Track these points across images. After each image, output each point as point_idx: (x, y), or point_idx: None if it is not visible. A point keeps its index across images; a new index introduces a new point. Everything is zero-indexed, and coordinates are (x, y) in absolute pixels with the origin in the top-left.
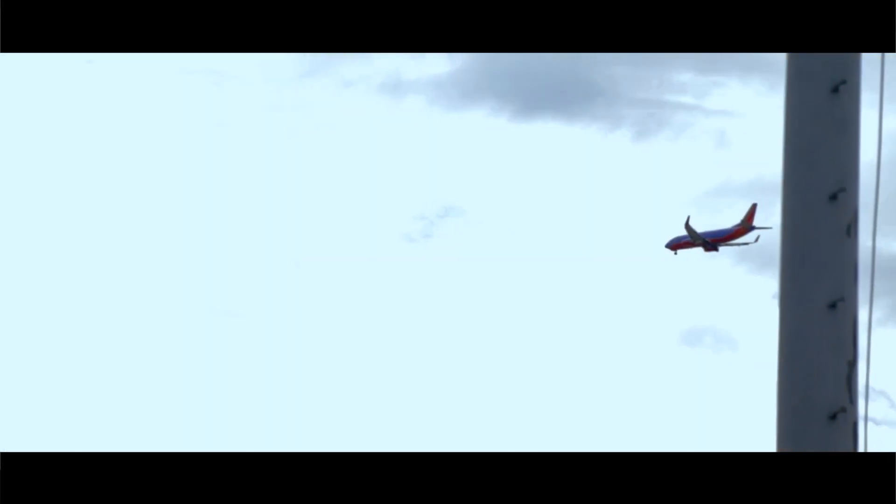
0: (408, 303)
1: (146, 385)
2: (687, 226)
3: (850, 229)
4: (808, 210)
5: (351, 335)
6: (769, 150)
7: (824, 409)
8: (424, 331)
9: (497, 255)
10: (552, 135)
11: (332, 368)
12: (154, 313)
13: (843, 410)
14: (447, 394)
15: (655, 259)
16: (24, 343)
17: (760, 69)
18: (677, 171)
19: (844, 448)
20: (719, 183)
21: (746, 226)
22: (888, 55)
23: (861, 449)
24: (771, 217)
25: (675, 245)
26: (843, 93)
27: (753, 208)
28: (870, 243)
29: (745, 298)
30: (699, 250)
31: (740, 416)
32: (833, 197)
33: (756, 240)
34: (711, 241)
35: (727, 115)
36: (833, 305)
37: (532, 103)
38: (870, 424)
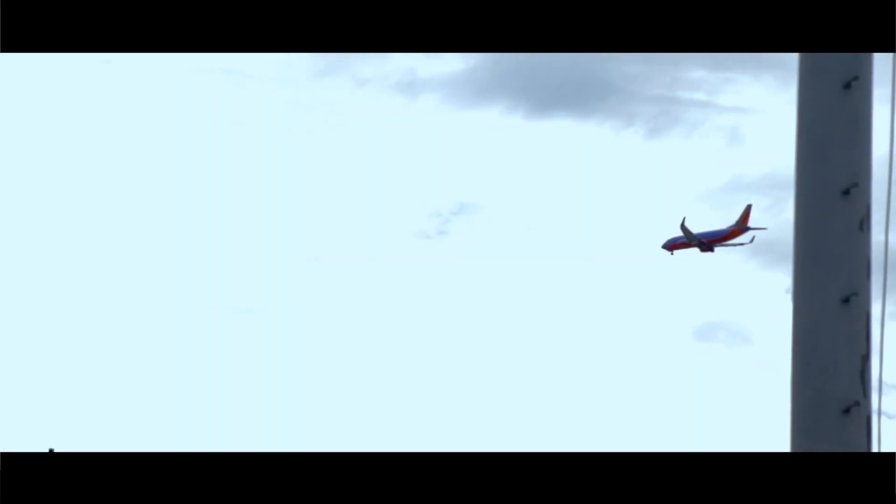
0: (424, 299)
1: (162, 383)
2: (682, 226)
3: (863, 224)
4: (821, 205)
5: (366, 331)
6: (782, 146)
7: (838, 403)
8: (439, 327)
9: (511, 251)
10: (566, 132)
11: (347, 364)
12: (171, 311)
13: (856, 404)
14: (463, 390)
15: (667, 255)
16: (44, 342)
17: (772, 66)
18: (690, 167)
19: (858, 441)
20: (732, 179)
21: (741, 226)
22: None
23: (874, 442)
24: (784, 213)
25: (671, 246)
26: (856, 89)
27: (748, 209)
28: (882, 238)
29: (759, 293)
30: (695, 250)
31: (755, 410)
32: (846, 192)
33: (751, 240)
34: (707, 242)
35: (740, 111)
36: (846, 300)
37: (546, 101)
38: (883, 418)
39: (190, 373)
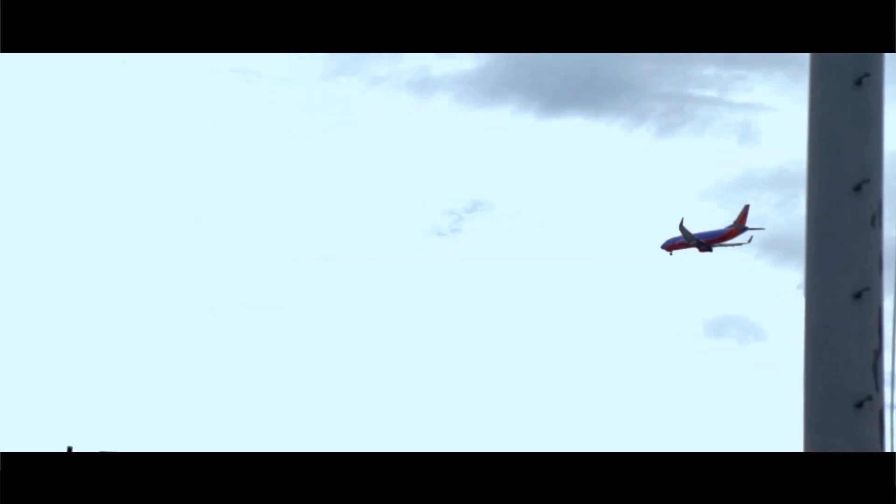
0: (440, 296)
1: (180, 381)
2: (681, 227)
3: (875, 220)
4: (833, 201)
5: (382, 329)
6: (793, 143)
7: (851, 397)
8: (455, 324)
9: (525, 248)
10: (577, 130)
11: (363, 361)
12: (186, 309)
13: (869, 398)
14: (478, 388)
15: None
16: (65, 340)
17: (783, 63)
18: (701, 164)
19: (871, 435)
20: (743, 176)
21: (739, 227)
22: None
23: (888, 436)
24: (795, 209)
25: (670, 246)
26: (867, 85)
27: (746, 210)
28: (894, 233)
29: (770, 290)
30: (693, 251)
31: (768, 405)
32: (857, 188)
33: (749, 240)
34: (705, 242)
35: (751, 108)
36: (858, 295)
37: (557, 99)
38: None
39: (207, 370)
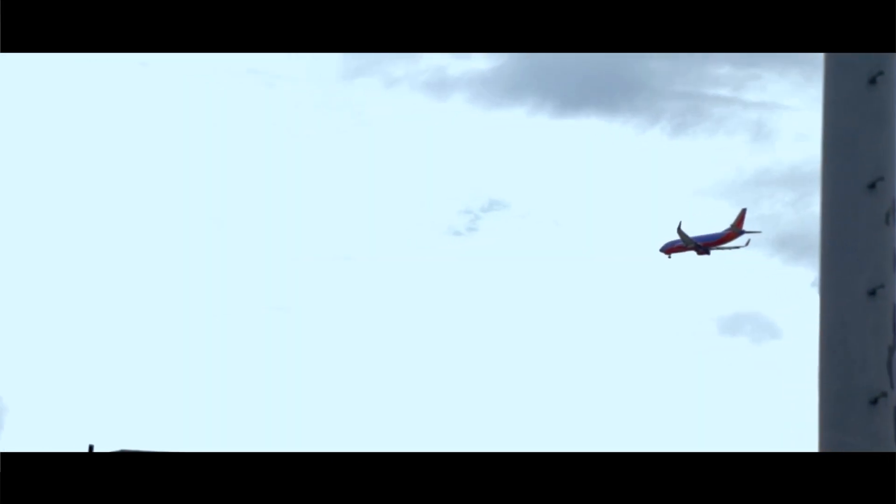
0: (457, 295)
1: (198, 380)
2: (679, 230)
3: (889, 217)
4: (847, 199)
5: (400, 328)
6: (807, 141)
7: (865, 393)
8: (473, 322)
9: (541, 247)
10: (593, 130)
11: (379, 361)
12: (207, 310)
13: (883, 395)
14: (495, 386)
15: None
16: (82, 340)
17: (797, 62)
18: (716, 163)
19: (886, 432)
20: (758, 174)
21: (736, 230)
22: None
23: None
24: (809, 207)
25: (668, 249)
26: (881, 84)
27: (743, 213)
28: None
29: (784, 287)
30: (692, 254)
31: (783, 403)
32: (871, 186)
33: (747, 243)
34: (703, 245)
35: (765, 107)
36: (873, 292)
37: (572, 99)
38: None
39: (225, 370)
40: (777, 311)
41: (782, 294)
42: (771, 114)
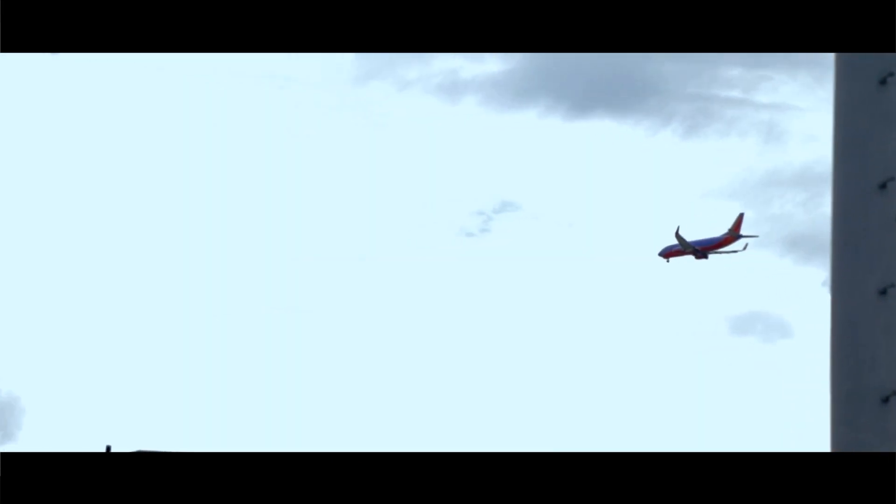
0: (470, 294)
1: (217, 380)
2: (677, 235)
3: None
4: (858, 199)
5: (414, 327)
6: (818, 142)
7: (877, 392)
8: (487, 322)
9: (553, 247)
10: (604, 132)
11: (395, 360)
12: (223, 311)
13: (894, 394)
14: (507, 384)
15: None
16: (104, 341)
17: (808, 63)
18: (727, 164)
19: None
20: (769, 175)
21: (734, 234)
22: None
23: None
24: (820, 207)
25: (667, 254)
26: (891, 84)
27: (740, 218)
28: None
29: (795, 287)
30: (690, 258)
31: (794, 401)
32: (882, 186)
33: (744, 248)
34: (701, 250)
35: (776, 108)
36: (883, 291)
37: (584, 101)
38: None
39: (241, 371)
40: (788, 310)
41: (793, 294)
42: (782, 115)
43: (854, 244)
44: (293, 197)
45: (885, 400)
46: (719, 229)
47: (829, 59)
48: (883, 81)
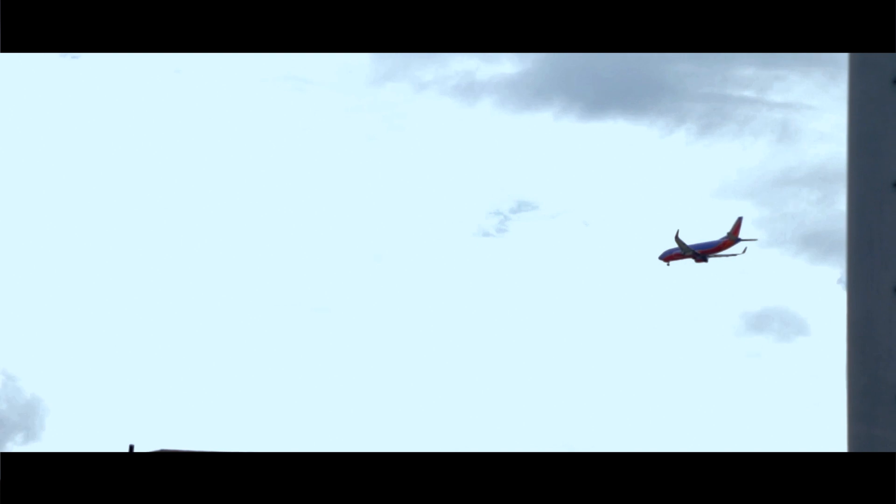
0: (487, 294)
1: (241, 380)
2: (677, 238)
3: None
4: (873, 198)
5: (434, 326)
6: (831, 141)
7: (893, 388)
8: (506, 321)
9: (570, 247)
10: (619, 132)
11: (412, 360)
12: (241, 311)
13: None
14: (526, 384)
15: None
16: (127, 342)
17: (821, 62)
18: (741, 163)
19: None
20: (783, 174)
21: (733, 238)
22: None
23: None
24: (834, 205)
25: (667, 257)
26: None
27: (739, 222)
28: None
29: (810, 285)
30: (690, 261)
31: (810, 398)
32: None
33: (744, 251)
34: (701, 253)
35: (789, 107)
36: None
37: (599, 102)
38: None
39: (259, 370)
40: (804, 308)
41: (808, 292)
42: (796, 114)
43: (869, 242)
44: (310, 197)
45: None
46: (722, 231)
47: (842, 58)
48: None
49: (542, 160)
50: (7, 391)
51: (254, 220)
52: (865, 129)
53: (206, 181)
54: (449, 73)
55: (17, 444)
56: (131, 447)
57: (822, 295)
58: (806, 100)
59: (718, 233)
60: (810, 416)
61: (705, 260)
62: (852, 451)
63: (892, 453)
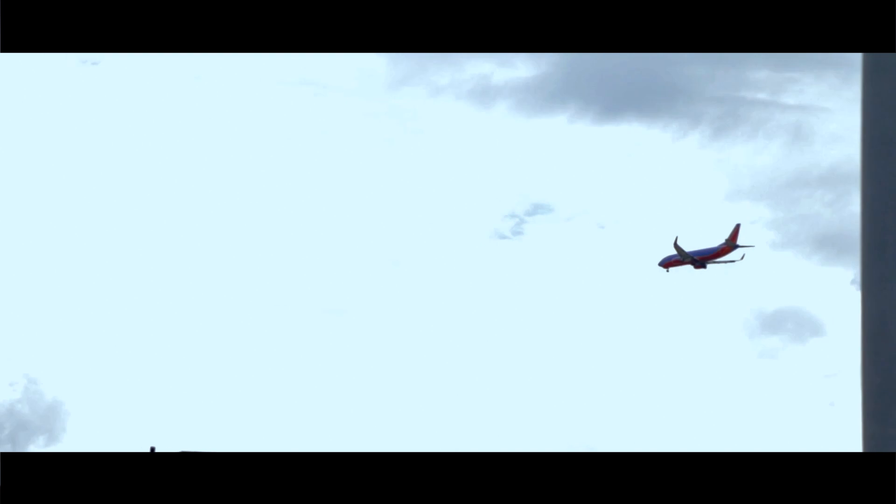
0: (504, 296)
1: (259, 381)
2: (675, 245)
3: None
4: (887, 198)
5: (450, 327)
6: (845, 142)
7: None
8: (523, 321)
9: (585, 249)
10: (633, 135)
11: (432, 362)
12: (260, 313)
13: None
14: (546, 384)
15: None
16: (145, 343)
17: (835, 64)
18: (755, 165)
19: None
20: (797, 175)
21: (731, 244)
22: None
23: None
24: (848, 206)
25: (666, 263)
26: None
27: (737, 228)
28: None
29: (824, 286)
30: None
31: (824, 397)
32: None
33: (742, 258)
34: (699, 259)
35: (803, 109)
36: None
37: (613, 105)
38: None
39: (277, 372)
40: (818, 309)
41: (822, 293)
42: (809, 116)
43: (883, 242)
44: (328, 201)
45: None
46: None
47: (856, 60)
48: None
49: (556, 163)
50: (29, 394)
51: (272, 224)
52: (879, 130)
53: (226, 185)
54: (465, 78)
55: (38, 447)
56: (152, 448)
57: (836, 296)
58: (819, 102)
59: (706, 242)
60: (825, 416)
61: (704, 266)
62: (867, 450)
63: (878, 453)
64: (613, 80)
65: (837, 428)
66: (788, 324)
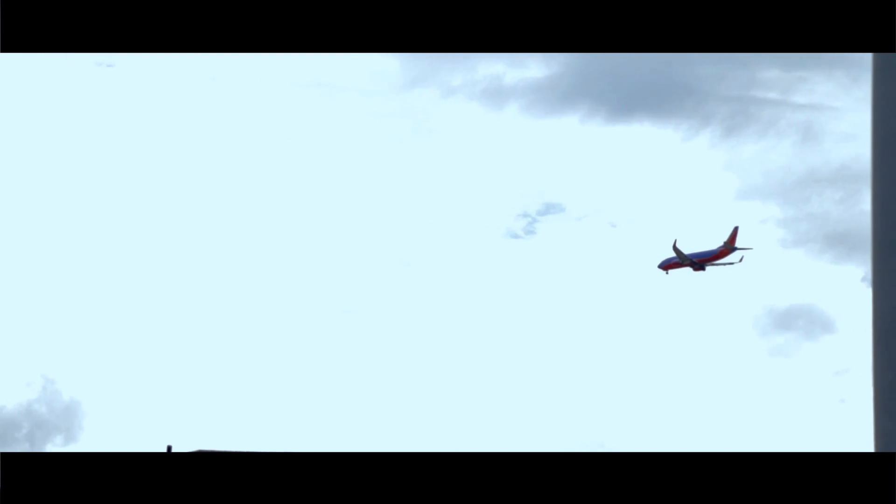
0: (516, 295)
1: (270, 381)
2: (675, 248)
3: None
4: None
5: (462, 326)
6: (855, 141)
7: None
8: (535, 320)
9: (597, 248)
10: (645, 134)
11: (445, 362)
12: (273, 313)
13: None
14: (560, 383)
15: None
16: (160, 343)
17: (844, 64)
18: (765, 164)
19: None
20: (808, 174)
21: (729, 247)
22: None
23: None
24: (858, 205)
25: (666, 266)
26: None
27: (735, 231)
28: None
29: (834, 284)
30: (688, 270)
31: (835, 395)
32: None
33: (740, 260)
34: (698, 262)
35: (813, 108)
36: None
37: (624, 105)
38: None
39: (289, 372)
40: (829, 306)
41: (834, 290)
42: (819, 115)
43: (893, 241)
44: (340, 201)
45: None
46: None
47: (865, 59)
48: None
49: (568, 163)
50: (46, 394)
51: (284, 224)
52: (889, 129)
53: (238, 185)
54: (477, 78)
55: (56, 446)
56: (169, 448)
57: (847, 293)
58: (829, 101)
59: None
60: (836, 413)
61: (703, 269)
62: (878, 446)
63: (878, 453)
64: (624, 80)
65: (849, 425)
66: (800, 322)
